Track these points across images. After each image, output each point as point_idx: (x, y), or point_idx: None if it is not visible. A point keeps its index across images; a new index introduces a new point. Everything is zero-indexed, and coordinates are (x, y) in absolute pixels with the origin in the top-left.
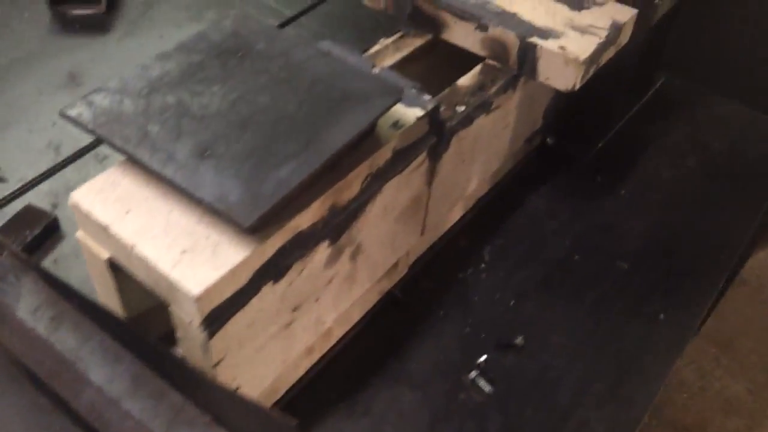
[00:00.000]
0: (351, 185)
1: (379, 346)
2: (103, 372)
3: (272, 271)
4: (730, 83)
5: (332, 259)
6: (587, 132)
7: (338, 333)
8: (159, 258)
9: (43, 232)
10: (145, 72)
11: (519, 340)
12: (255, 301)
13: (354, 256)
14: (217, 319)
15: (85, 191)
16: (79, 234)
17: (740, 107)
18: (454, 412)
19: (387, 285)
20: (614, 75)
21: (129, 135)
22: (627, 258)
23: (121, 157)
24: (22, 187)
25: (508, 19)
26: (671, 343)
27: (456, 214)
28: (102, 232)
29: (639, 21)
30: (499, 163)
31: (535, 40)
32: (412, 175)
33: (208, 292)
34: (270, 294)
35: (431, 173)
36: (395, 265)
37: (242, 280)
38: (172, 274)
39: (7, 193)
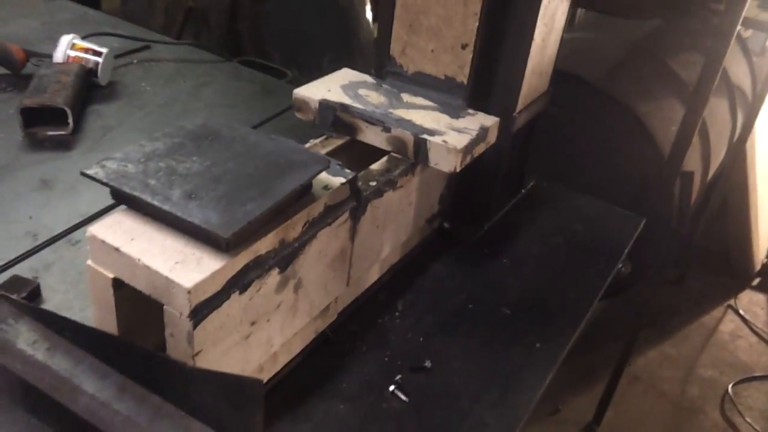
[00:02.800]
0: (295, 226)
1: (315, 372)
2: (94, 384)
3: (239, 283)
4: (583, 184)
5: (281, 286)
6: (474, 219)
7: (283, 360)
8: (159, 266)
9: (28, 295)
10: (141, 148)
11: (427, 364)
12: (226, 306)
13: (296, 289)
14: (199, 312)
15: (98, 227)
16: (89, 263)
17: (593, 200)
18: (379, 417)
19: (321, 325)
20: (491, 177)
21: (134, 185)
22: (509, 306)
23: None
24: (6, 264)
25: (406, 123)
26: (545, 362)
27: (374, 275)
28: (113, 253)
29: (502, 127)
30: (407, 235)
31: (425, 136)
32: (339, 229)
33: (196, 288)
34: (236, 303)
35: (353, 230)
36: (327, 309)
37: (218, 284)
38: (170, 276)
39: None
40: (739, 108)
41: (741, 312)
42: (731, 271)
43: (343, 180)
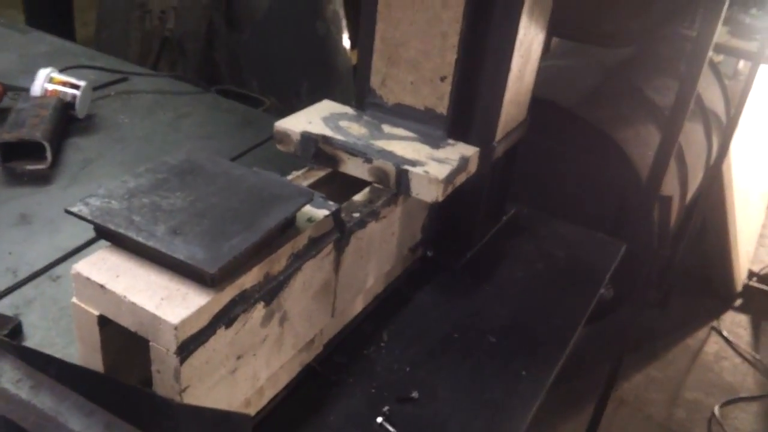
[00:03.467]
0: (280, 259)
1: (302, 405)
2: (80, 421)
3: (224, 318)
4: (563, 210)
5: (266, 320)
6: (456, 247)
7: (269, 394)
8: (145, 303)
9: (10, 333)
10: (124, 184)
11: (414, 394)
12: (212, 341)
13: (282, 322)
14: (186, 348)
15: (83, 264)
16: (74, 300)
17: (574, 227)
18: None
19: (306, 358)
20: (472, 205)
21: (119, 222)
22: (494, 334)
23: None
24: None
25: (387, 154)
26: (531, 391)
27: (359, 305)
28: (98, 290)
29: (482, 156)
30: (390, 265)
31: (407, 167)
32: (323, 261)
33: (183, 324)
34: (222, 338)
35: (337, 262)
36: (312, 341)
37: (204, 320)
38: (157, 312)
39: None
40: (714, 132)
41: (724, 333)
42: (713, 292)
43: (326, 212)
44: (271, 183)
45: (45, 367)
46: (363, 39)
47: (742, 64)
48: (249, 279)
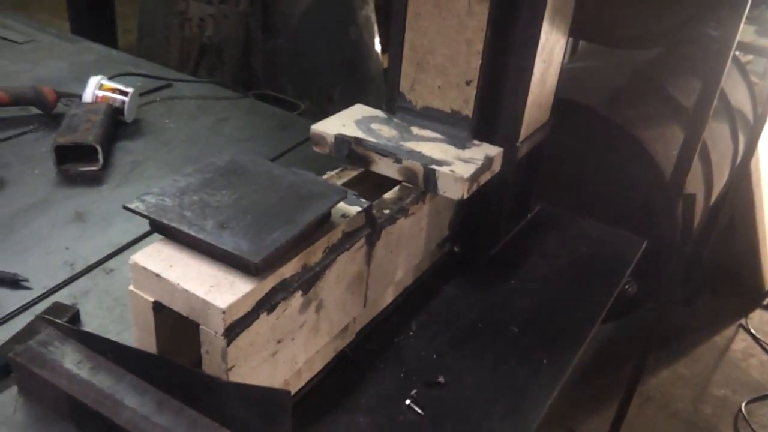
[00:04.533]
0: (316, 252)
1: (336, 388)
2: (135, 399)
3: (267, 304)
4: (588, 208)
5: (304, 307)
6: (482, 243)
7: (306, 376)
8: (196, 290)
9: (69, 320)
10: (175, 183)
11: (441, 379)
12: (255, 325)
13: (318, 310)
14: (232, 330)
15: (140, 255)
16: (131, 288)
17: (596, 224)
18: (396, 429)
19: (341, 344)
20: (497, 203)
21: (172, 217)
22: (517, 324)
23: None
24: (47, 292)
25: (416, 155)
26: (552, 378)
27: (389, 297)
28: (153, 278)
29: (506, 156)
30: (419, 259)
31: (434, 167)
32: (356, 255)
33: (230, 308)
34: (264, 322)
35: (369, 256)
36: (346, 329)
37: (249, 305)
38: (206, 298)
39: (35, 296)
40: (741, 131)
41: (752, 331)
42: (741, 290)
43: (359, 209)
44: (309, 182)
45: (103, 350)
46: (393, 47)
47: None
48: (289, 269)
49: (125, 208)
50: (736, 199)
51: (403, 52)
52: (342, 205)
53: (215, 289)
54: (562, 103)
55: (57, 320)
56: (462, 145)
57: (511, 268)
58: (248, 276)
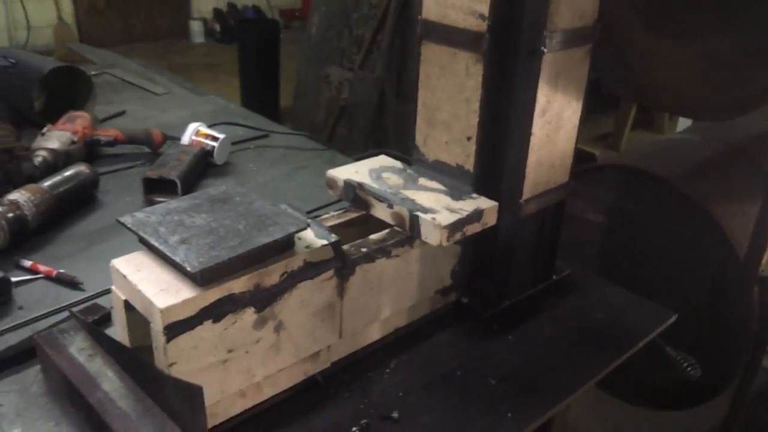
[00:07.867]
0: (271, 275)
1: (296, 409)
2: (110, 385)
3: (212, 313)
4: (617, 275)
5: (258, 324)
6: (490, 296)
7: (268, 392)
8: (147, 291)
9: (99, 319)
10: (167, 206)
11: (395, 414)
12: (199, 330)
13: (278, 330)
14: (171, 330)
15: (119, 260)
16: (113, 287)
17: (625, 292)
18: None
19: (311, 369)
20: (505, 257)
21: (148, 231)
22: (496, 377)
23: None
24: (93, 295)
25: (408, 202)
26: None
27: (375, 333)
28: (123, 279)
29: (505, 211)
30: (412, 302)
31: (418, 213)
32: (324, 284)
33: (168, 309)
34: (210, 330)
35: (341, 288)
36: (318, 355)
37: (191, 310)
38: (152, 299)
39: (84, 297)
40: None
41: None
42: None
43: (325, 242)
44: (279, 213)
45: (101, 341)
46: (412, 104)
47: None
48: (238, 285)
49: (117, 221)
50: None
51: (417, 108)
52: (310, 237)
53: (163, 293)
54: (632, 171)
55: (77, 315)
56: (459, 197)
57: (513, 324)
58: (194, 285)
